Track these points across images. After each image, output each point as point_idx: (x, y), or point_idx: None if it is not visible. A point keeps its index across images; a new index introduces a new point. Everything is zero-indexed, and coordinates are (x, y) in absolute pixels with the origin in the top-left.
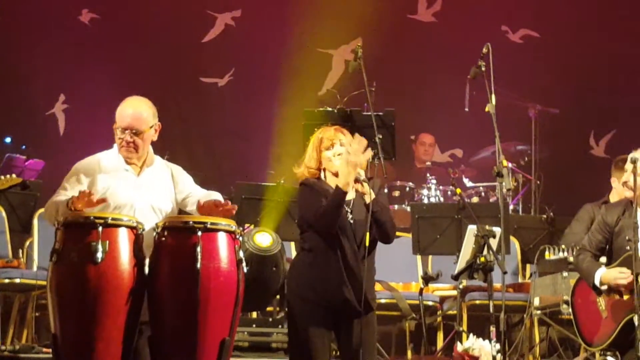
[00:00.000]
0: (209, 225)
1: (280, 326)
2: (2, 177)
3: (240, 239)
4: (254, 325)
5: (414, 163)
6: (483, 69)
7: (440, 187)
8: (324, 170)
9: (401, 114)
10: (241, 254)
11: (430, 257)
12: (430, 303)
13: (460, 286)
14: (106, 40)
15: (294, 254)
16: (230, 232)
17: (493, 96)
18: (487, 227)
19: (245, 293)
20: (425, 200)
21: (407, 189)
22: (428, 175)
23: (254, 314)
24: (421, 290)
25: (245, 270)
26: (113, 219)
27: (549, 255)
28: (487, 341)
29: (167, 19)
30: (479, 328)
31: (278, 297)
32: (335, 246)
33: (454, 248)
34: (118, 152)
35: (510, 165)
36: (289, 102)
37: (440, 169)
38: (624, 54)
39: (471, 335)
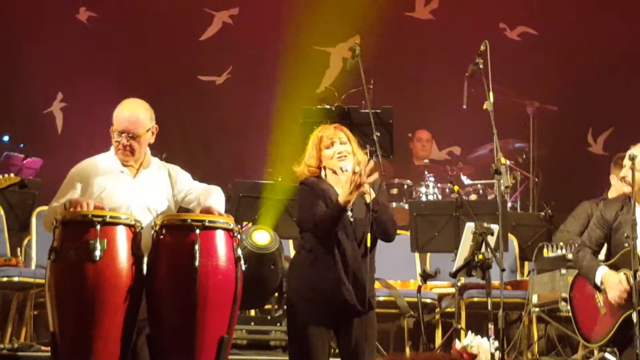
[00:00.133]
0: (207, 223)
1: (278, 324)
2: (0, 176)
3: (238, 236)
4: (252, 323)
5: (412, 161)
6: (481, 66)
7: (438, 185)
8: (324, 168)
9: (399, 112)
10: (239, 251)
11: (428, 254)
12: (428, 300)
13: (459, 284)
14: (104, 39)
15: (292, 251)
16: (228, 230)
17: (491, 93)
18: (485, 224)
19: (243, 291)
20: (423, 198)
21: (405, 186)
22: (426, 172)
23: (252, 312)
24: (419, 287)
25: (243, 268)
26: (111, 217)
27: (547, 253)
28: (485, 338)
29: (164, 17)
30: (477, 325)
31: (276, 295)
32: (336, 245)
33: (452, 245)
34: (115, 154)
35: (508, 162)
36: (287, 100)
37: (438, 167)
38: (622, 52)
39: (469, 332)
